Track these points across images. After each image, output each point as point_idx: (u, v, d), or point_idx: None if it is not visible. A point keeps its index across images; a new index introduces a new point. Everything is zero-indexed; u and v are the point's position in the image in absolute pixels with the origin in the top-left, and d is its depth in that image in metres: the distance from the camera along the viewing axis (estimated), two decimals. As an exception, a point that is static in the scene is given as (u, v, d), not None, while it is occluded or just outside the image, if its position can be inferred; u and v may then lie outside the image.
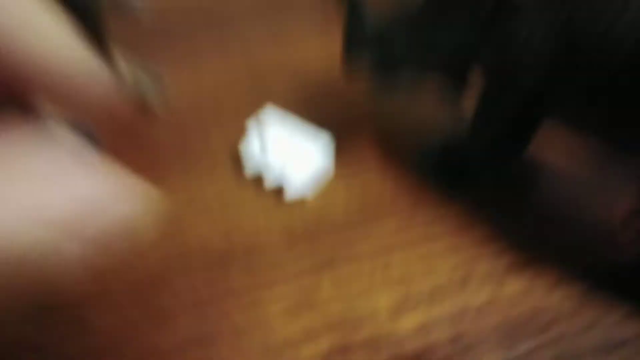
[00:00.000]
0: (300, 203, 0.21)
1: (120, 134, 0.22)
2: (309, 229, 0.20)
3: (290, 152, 0.21)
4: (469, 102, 0.21)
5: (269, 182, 0.22)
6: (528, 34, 0.18)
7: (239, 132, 0.24)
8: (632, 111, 0.17)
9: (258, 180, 0.22)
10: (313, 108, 0.25)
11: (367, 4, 0.22)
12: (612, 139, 0.18)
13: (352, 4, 0.22)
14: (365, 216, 0.21)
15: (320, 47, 0.29)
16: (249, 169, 0.22)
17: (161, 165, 0.23)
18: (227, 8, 0.31)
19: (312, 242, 0.20)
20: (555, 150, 0.23)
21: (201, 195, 0.22)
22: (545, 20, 0.17)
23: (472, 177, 0.22)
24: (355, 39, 0.22)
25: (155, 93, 0.25)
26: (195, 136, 0.24)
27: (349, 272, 0.19)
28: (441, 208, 0.21)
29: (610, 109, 0.17)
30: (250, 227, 0.20)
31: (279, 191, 0.22)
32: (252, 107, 0.25)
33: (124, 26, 0.28)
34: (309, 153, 0.22)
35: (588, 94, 0.17)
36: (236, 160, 0.23)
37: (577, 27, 0.17)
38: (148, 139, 0.24)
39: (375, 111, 0.25)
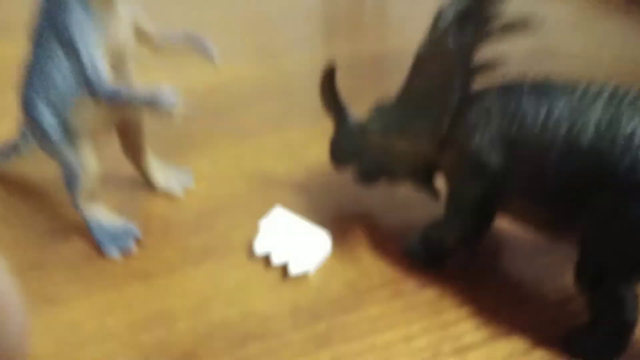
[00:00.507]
0: (303, 280, 0.24)
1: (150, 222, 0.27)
2: (310, 307, 0.23)
3: (295, 240, 0.25)
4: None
5: (276, 260, 0.25)
6: (478, 147, 0.21)
7: (252, 221, 0.28)
8: (562, 213, 0.20)
9: (267, 260, 0.25)
10: (314, 207, 0.29)
11: (351, 120, 0.27)
12: (549, 233, 0.22)
13: (338, 120, 0.27)
14: (357, 296, 0.24)
15: (320, 151, 0.34)
16: (259, 250, 0.25)
17: (183, 246, 0.27)
18: (245, 122, 0.37)
19: (313, 319, 0.23)
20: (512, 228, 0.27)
21: (219, 278, 0.25)
22: (492, 135, 0.21)
23: (446, 258, 0.25)
24: (340, 152, 0.27)
25: (179, 183, 0.30)
26: (214, 221, 0.28)
27: (344, 351, 0.22)
28: (420, 294, 0.24)
29: (545, 211, 0.21)
30: (262, 305, 0.24)
31: (284, 271, 0.25)
32: (262, 203, 0.30)
33: (157, 128, 0.33)
34: (312, 240, 0.25)
35: (527, 198, 0.21)
36: (248, 245, 0.26)
37: (518, 139, 0.20)
38: (173, 224, 0.28)
39: (365, 210, 0.29)
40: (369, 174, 0.27)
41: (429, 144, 0.23)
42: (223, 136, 0.34)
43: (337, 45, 0.45)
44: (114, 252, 0.25)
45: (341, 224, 0.28)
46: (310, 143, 0.34)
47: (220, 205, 0.29)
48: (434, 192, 0.26)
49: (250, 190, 0.30)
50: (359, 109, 0.37)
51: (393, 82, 0.40)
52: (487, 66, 0.22)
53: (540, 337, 0.22)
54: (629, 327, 0.20)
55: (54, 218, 0.28)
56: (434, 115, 0.23)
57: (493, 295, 0.24)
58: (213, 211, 0.29)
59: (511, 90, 0.21)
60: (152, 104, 0.20)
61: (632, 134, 0.18)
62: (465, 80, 0.22)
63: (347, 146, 0.27)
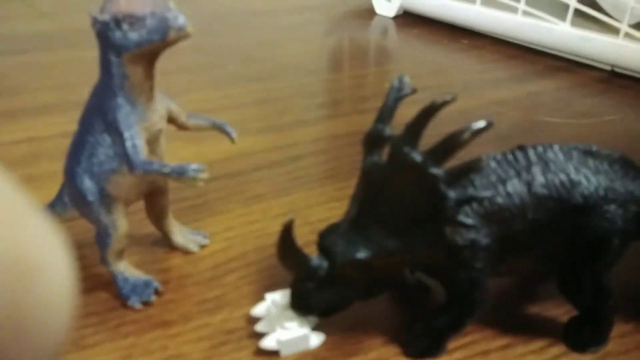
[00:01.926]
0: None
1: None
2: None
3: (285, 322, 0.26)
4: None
5: (259, 328, 0.27)
6: (474, 243, 0.24)
7: (262, 276, 0.31)
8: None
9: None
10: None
11: (311, 261, 0.25)
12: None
13: (299, 268, 0.26)
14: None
15: (321, 210, 0.37)
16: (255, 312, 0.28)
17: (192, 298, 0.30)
18: (255, 187, 0.41)
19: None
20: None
21: (232, 326, 0.28)
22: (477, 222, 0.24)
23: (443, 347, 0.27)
24: (300, 303, 0.26)
25: (195, 243, 0.33)
26: (227, 276, 0.31)
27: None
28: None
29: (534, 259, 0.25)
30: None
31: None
32: (271, 260, 0.31)
33: (177, 195, 0.36)
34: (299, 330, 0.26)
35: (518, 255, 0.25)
36: (257, 299, 0.29)
37: (508, 230, 0.24)
38: (190, 278, 0.31)
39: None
40: (343, 302, 0.26)
41: (417, 254, 0.24)
42: (235, 200, 0.38)
43: (339, 120, 0.50)
44: (136, 303, 0.29)
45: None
46: (313, 204, 0.38)
47: (233, 263, 0.32)
48: (423, 288, 0.29)
49: (259, 249, 0.33)
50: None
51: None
52: (466, 170, 0.23)
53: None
54: (611, 311, 0.26)
55: (79, 271, 0.31)
56: (425, 227, 0.23)
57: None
58: (226, 267, 0.32)
59: (468, 182, 0.24)
60: (180, 175, 0.24)
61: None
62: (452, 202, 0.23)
63: (314, 288, 0.26)
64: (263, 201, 0.38)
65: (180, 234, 0.33)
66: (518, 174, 0.24)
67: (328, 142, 0.46)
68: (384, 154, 0.25)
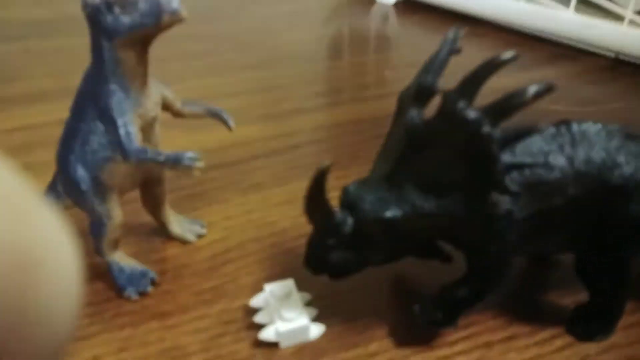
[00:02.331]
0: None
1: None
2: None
3: (284, 313, 0.26)
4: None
5: (259, 319, 0.26)
6: (510, 214, 0.23)
7: (260, 267, 0.31)
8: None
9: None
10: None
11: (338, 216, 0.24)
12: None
13: (325, 223, 0.24)
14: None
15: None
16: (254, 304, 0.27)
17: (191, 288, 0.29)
18: (253, 176, 0.40)
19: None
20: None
21: (229, 317, 0.28)
22: (518, 191, 0.23)
23: (461, 314, 0.26)
24: (325, 255, 0.25)
25: (192, 232, 0.33)
26: (224, 266, 0.31)
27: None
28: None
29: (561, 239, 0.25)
30: None
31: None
32: (270, 250, 0.32)
33: (174, 184, 0.36)
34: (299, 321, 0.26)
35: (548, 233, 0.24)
36: (256, 289, 0.28)
37: (539, 192, 0.23)
38: (187, 268, 0.31)
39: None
40: (359, 266, 0.25)
41: (451, 219, 0.23)
42: (233, 189, 0.37)
43: (339, 108, 0.49)
44: (132, 294, 0.28)
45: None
46: (313, 196, 0.37)
47: (231, 253, 0.32)
48: (445, 256, 0.28)
49: (258, 239, 0.33)
50: (361, 167, 0.40)
51: (391, 140, 0.43)
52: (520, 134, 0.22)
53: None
54: (625, 298, 0.25)
55: (77, 262, 0.31)
56: (467, 190, 0.23)
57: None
58: (224, 258, 0.31)
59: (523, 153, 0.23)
60: (176, 164, 0.23)
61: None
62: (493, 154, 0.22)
63: (333, 245, 0.24)
64: (262, 190, 0.37)
65: (177, 224, 0.32)
66: (561, 148, 0.23)
67: (327, 131, 0.45)
68: (427, 109, 0.23)
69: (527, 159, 0.23)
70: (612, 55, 0.59)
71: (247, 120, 0.46)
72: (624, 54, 0.58)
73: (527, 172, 0.23)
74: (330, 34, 0.69)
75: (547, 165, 0.23)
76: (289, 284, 0.28)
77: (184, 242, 0.32)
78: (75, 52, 0.60)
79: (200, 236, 0.33)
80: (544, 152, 0.23)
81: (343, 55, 0.62)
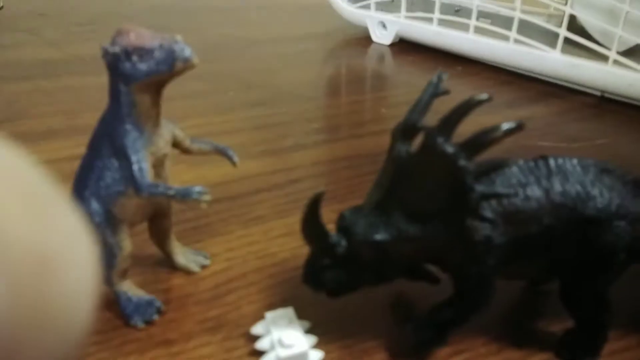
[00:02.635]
0: None
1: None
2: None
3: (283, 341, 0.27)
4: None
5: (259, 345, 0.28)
6: (488, 240, 0.25)
7: (262, 297, 0.32)
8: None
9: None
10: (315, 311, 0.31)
11: (332, 238, 0.26)
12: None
13: (320, 244, 0.26)
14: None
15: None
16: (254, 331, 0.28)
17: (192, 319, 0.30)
18: (255, 209, 0.42)
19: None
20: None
21: (233, 344, 0.29)
22: (495, 218, 0.25)
23: (445, 340, 0.28)
24: (320, 274, 0.27)
25: (197, 263, 0.34)
26: (227, 296, 0.32)
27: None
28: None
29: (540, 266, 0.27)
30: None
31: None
32: (271, 280, 0.34)
33: (179, 218, 0.37)
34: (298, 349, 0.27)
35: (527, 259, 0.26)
36: (258, 318, 0.29)
37: (516, 220, 0.25)
38: (191, 298, 0.32)
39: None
40: (354, 285, 0.27)
41: (434, 243, 0.25)
42: (236, 222, 0.39)
43: (337, 144, 0.52)
44: (138, 322, 0.29)
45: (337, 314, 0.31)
46: (312, 228, 0.39)
47: (233, 283, 0.33)
48: (432, 278, 0.30)
49: (259, 269, 0.34)
50: (357, 200, 0.41)
51: (387, 175, 0.45)
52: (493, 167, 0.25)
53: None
54: (608, 324, 0.27)
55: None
56: (447, 217, 0.25)
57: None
58: (226, 287, 0.33)
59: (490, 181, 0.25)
60: (185, 198, 0.25)
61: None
62: (469, 184, 0.24)
63: (329, 265, 0.27)
64: (263, 223, 0.39)
65: (182, 255, 0.34)
66: (538, 181, 0.25)
67: (326, 166, 0.47)
68: (414, 144, 0.26)
69: (504, 190, 0.25)
70: (598, 93, 0.61)
71: (249, 156, 0.48)
72: (609, 93, 0.60)
73: (505, 201, 0.25)
74: (328, 73, 0.72)
75: (524, 197, 0.25)
76: (289, 312, 0.29)
77: (188, 272, 0.33)
78: (83, 91, 0.62)
79: (203, 267, 0.34)
80: (522, 184, 0.25)
81: (341, 93, 0.65)
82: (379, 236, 0.25)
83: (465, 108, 0.24)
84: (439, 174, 0.24)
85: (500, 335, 0.29)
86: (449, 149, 0.23)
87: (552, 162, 0.26)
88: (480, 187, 0.24)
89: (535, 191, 0.25)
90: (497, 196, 0.24)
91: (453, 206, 0.24)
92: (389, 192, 0.26)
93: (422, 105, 0.27)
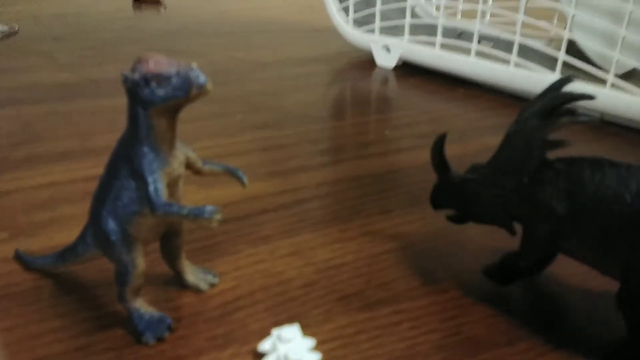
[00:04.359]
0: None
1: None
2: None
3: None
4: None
5: None
6: (546, 198, 0.30)
7: (269, 314, 0.33)
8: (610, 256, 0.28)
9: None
10: (318, 302, 0.34)
11: (452, 173, 0.35)
12: (596, 267, 0.30)
13: (441, 172, 0.35)
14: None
15: (325, 252, 0.39)
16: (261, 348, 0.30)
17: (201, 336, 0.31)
18: (262, 229, 0.43)
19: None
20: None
21: None
22: (560, 189, 0.29)
23: (515, 280, 0.35)
24: (439, 198, 0.36)
25: (206, 282, 0.35)
26: (235, 313, 0.33)
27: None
28: None
29: (595, 249, 0.29)
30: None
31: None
32: (277, 298, 0.35)
33: (189, 237, 0.39)
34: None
35: (581, 239, 0.29)
36: (265, 335, 0.31)
37: (579, 197, 0.29)
38: (201, 315, 0.33)
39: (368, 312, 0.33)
40: (462, 216, 0.36)
41: (512, 196, 0.31)
42: (243, 242, 0.40)
43: (342, 165, 0.53)
44: (150, 339, 0.30)
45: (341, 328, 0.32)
46: (317, 245, 0.40)
47: (241, 301, 0.34)
48: (512, 230, 0.34)
49: (266, 287, 0.35)
50: (363, 220, 0.43)
51: (393, 194, 0.46)
52: (557, 144, 0.30)
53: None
54: None
55: (97, 309, 0.33)
56: (519, 176, 0.31)
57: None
58: (234, 305, 0.34)
59: (575, 161, 0.30)
60: (198, 217, 0.26)
61: None
62: (541, 153, 0.30)
63: (446, 193, 0.35)
64: (270, 242, 0.40)
65: (191, 274, 0.35)
66: (618, 176, 0.28)
67: (331, 187, 0.49)
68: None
69: (560, 164, 0.30)
70: (598, 116, 0.63)
71: (256, 177, 0.49)
72: (608, 115, 0.62)
73: (574, 181, 0.29)
74: (333, 96, 0.73)
75: (596, 184, 0.28)
76: (294, 329, 0.30)
77: (197, 290, 0.35)
78: (96, 113, 0.64)
79: (212, 285, 0.35)
80: (599, 175, 0.28)
81: (346, 115, 0.66)
82: (471, 176, 0.34)
83: (563, 99, 0.30)
84: (520, 139, 0.31)
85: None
86: (532, 121, 0.30)
87: (633, 166, 0.28)
88: (543, 153, 0.30)
89: (609, 183, 0.28)
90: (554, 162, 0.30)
91: (524, 167, 0.31)
92: (496, 153, 0.33)
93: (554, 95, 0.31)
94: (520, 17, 0.65)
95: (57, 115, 0.63)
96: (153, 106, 0.26)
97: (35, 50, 0.90)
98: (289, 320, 0.32)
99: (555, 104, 0.30)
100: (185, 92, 0.26)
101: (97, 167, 0.50)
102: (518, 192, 0.31)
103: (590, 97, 0.30)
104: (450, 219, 0.36)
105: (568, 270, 0.36)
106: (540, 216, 0.30)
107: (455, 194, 0.35)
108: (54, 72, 0.79)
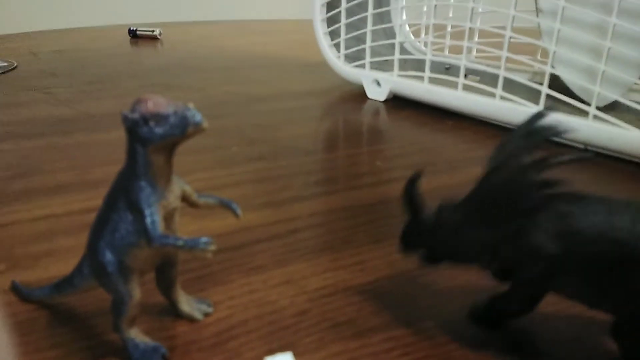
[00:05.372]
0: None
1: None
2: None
3: None
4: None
5: None
6: (538, 240, 0.29)
7: (262, 343, 0.34)
8: (605, 295, 0.28)
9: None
10: (311, 331, 0.35)
11: (424, 213, 0.33)
12: (594, 308, 0.29)
13: (413, 213, 0.33)
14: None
15: (317, 280, 0.40)
16: None
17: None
18: (255, 259, 0.44)
19: None
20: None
21: None
22: (550, 230, 0.28)
23: (502, 324, 0.33)
24: (410, 239, 0.34)
25: (200, 311, 0.36)
26: (229, 342, 0.33)
27: None
28: None
29: (590, 291, 0.28)
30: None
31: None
32: (271, 327, 0.35)
33: (183, 268, 0.40)
34: None
35: (577, 281, 0.28)
36: None
37: (571, 237, 0.28)
38: (195, 344, 0.33)
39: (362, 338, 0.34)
40: (436, 258, 0.34)
41: (499, 238, 0.30)
42: (237, 271, 0.41)
43: (334, 195, 0.54)
44: (144, 368, 0.31)
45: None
46: (310, 274, 0.40)
47: (234, 329, 0.35)
48: (497, 274, 0.33)
49: (259, 316, 0.36)
50: (354, 249, 0.44)
51: (384, 224, 0.47)
52: (553, 184, 0.29)
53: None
54: None
55: (92, 339, 0.34)
56: (510, 218, 0.29)
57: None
58: (228, 334, 0.34)
59: (564, 197, 0.29)
60: (193, 248, 0.27)
61: None
62: (538, 196, 0.29)
63: (417, 234, 0.33)
64: (263, 272, 0.41)
65: (186, 303, 0.35)
66: (609, 211, 0.27)
67: (324, 216, 0.50)
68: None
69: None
70: (582, 146, 0.65)
71: (250, 208, 0.50)
72: (591, 145, 0.64)
73: (568, 220, 0.28)
74: (326, 128, 0.75)
75: (588, 221, 0.27)
76: (287, 357, 0.31)
77: (192, 320, 0.35)
78: (93, 147, 0.66)
79: (206, 314, 0.36)
80: (592, 211, 0.28)
81: (338, 147, 0.68)
82: (448, 216, 0.32)
83: (559, 161, 0.29)
84: (507, 181, 0.29)
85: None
86: (525, 160, 0.29)
87: (625, 200, 0.28)
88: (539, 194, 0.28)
89: (600, 220, 0.27)
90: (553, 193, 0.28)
91: (514, 208, 0.29)
92: (475, 191, 0.31)
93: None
94: (505, 53, 0.68)
95: (54, 148, 0.65)
96: (151, 144, 0.28)
97: (33, 85, 0.92)
98: (282, 348, 0.33)
99: (537, 142, 0.29)
100: (182, 131, 0.27)
101: (94, 200, 0.51)
102: (506, 234, 0.30)
103: (567, 131, 0.30)
104: (423, 260, 0.35)
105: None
106: (531, 257, 0.29)
107: (430, 235, 0.33)
108: (52, 107, 0.81)
